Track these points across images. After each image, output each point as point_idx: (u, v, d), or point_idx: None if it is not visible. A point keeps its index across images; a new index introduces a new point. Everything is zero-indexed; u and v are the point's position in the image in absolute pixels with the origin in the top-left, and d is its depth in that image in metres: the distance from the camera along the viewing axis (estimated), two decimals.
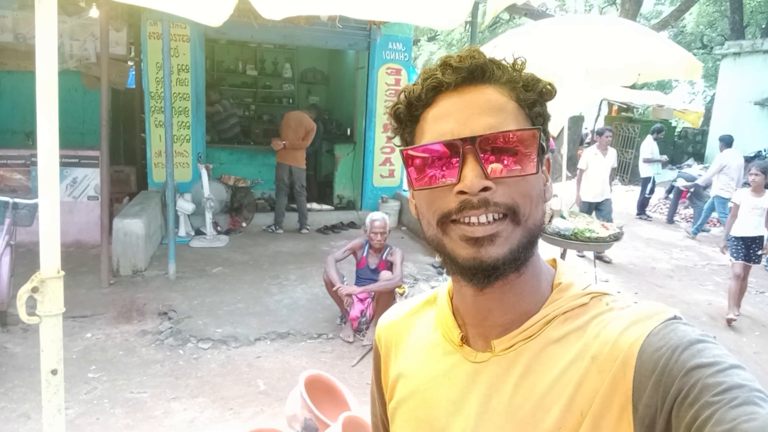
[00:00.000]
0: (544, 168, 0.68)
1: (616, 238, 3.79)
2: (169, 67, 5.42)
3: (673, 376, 0.53)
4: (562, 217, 3.93)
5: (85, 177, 6.14)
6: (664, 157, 10.63)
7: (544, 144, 0.65)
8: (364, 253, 4.59)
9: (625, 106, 14.18)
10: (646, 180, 9.94)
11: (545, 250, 4.71)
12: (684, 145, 15.57)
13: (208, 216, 6.60)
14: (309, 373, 3.17)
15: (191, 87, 6.94)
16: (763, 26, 18.98)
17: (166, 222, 5.54)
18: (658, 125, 10.78)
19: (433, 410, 0.72)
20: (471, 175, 0.61)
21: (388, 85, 7.68)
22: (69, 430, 3.00)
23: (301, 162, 7.15)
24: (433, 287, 5.02)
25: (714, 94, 17.58)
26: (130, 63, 8.04)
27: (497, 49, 4.42)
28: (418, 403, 0.75)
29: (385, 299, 4.41)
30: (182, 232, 6.60)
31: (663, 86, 20.57)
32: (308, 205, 7.63)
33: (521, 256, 0.63)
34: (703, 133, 15.24)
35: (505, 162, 0.62)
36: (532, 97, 0.66)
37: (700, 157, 14.49)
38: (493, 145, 0.62)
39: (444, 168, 0.63)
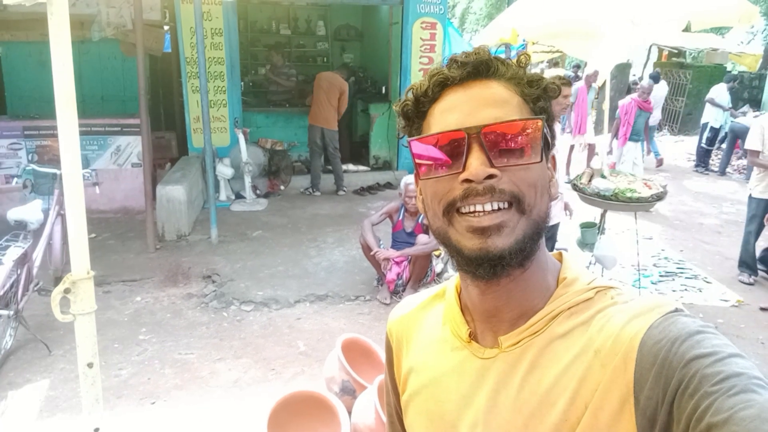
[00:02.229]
0: (549, 165, 0.69)
1: (659, 197, 3.65)
2: (202, 31, 5.41)
3: (672, 368, 0.54)
4: (603, 176, 3.80)
5: (128, 145, 6.31)
6: (728, 106, 10.10)
7: (549, 138, 0.67)
8: (400, 217, 4.59)
9: (676, 51, 13.40)
10: (705, 126, 9.61)
11: (585, 211, 4.60)
12: (740, 91, 14.66)
13: (247, 180, 6.71)
14: (346, 336, 3.25)
15: (225, 51, 6.94)
16: None
17: (207, 187, 5.67)
18: (734, 74, 10.30)
19: (444, 404, 0.74)
20: (476, 163, 0.62)
21: (423, 41, 7.48)
22: (123, 389, 3.21)
23: (332, 123, 7.12)
24: None
25: None
26: (165, 28, 8.07)
27: (537, 3, 4.21)
28: (429, 397, 0.76)
29: (421, 263, 4.44)
30: (223, 196, 6.75)
31: (719, 28, 19.28)
32: (344, 167, 7.64)
33: (527, 248, 0.64)
34: (761, 77, 14.27)
35: (510, 151, 0.63)
36: (536, 92, 0.68)
37: (756, 104, 13.64)
38: (498, 134, 0.63)
39: (450, 158, 0.65)
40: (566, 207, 4.37)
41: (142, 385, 3.26)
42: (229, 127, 7.07)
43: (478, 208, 0.62)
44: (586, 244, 4.05)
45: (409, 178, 4.55)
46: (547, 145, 0.68)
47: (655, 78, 10.03)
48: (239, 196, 6.88)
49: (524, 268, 0.66)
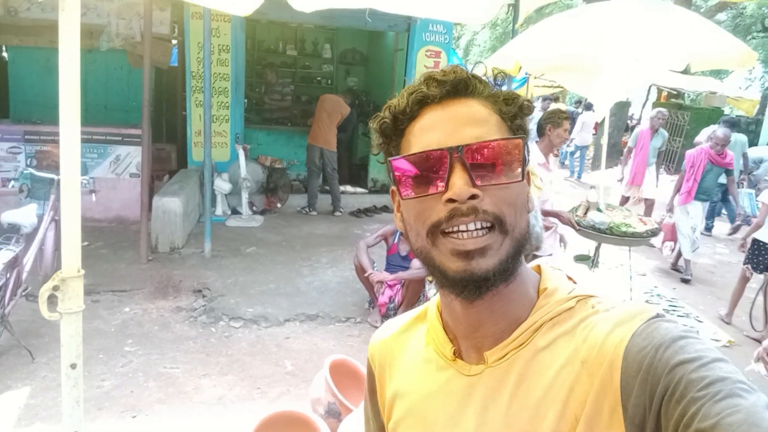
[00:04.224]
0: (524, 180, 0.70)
1: (653, 233, 3.67)
2: (209, 47, 5.48)
3: (658, 375, 0.54)
4: (599, 210, 3.82)
5: (128, 155, 6.32)
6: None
7: (526, 155, 0.67)
8: (396, 240, 4.58)
9: (675, 92, 13.61)
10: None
11: (580, 243, 4.60)
12: (744, 132, 14.89)
13: (245, 196, 6.71)
14: (334, 357, 3.21)
15: (231, 67, 7.01)
16: None
17: (204, 200, 5.66)
18: (732, 117, 10.14)
19: (431, 427, 0.72)
20: (459, 183, 0.61)
21: (427, 68, 7.51)
22: (104, 401, 3.16)
23: (332, 144, 7.17)
24: None
25: None
26: (173, 42, 8.17)
27: (539, 32, 4.29)
28: (416, 421, 0.75)
29: (414, 287, 4.41)
30: (219, 211, 6.74)
31: (718, 72, 19.61)
32: (342, 188, 7.66)
33: (510, 267, 0.64)
34: (758, 122, 14.51)
35: (491, 171, 0.64)
36: (513, 110, 0.68)
37: (753, 145, 13.82)
38: (480, 154, 0.63)
39: (432, 177, 0.64)
40: (561, 239, 4.38)
41: (124, 398, 3.21)
42: (230, 142, 7.10)
43: (462, 227, 0.62)
44: None
45: None
46: (525, 162, 0.68)
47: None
48: (235, 212, 6.87)
49: (508, 283, 0.66)
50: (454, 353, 0.72)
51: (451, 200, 0.62)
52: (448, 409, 0.71)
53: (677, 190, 6.16)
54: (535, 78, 11.76)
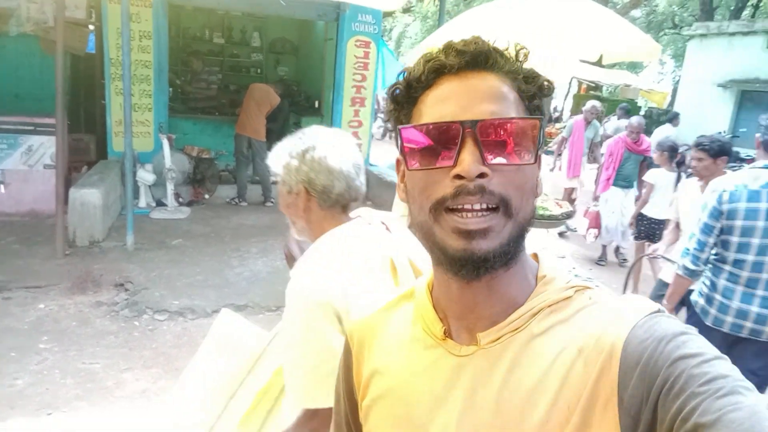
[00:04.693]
0: (536, 163, 0.66)
1: (568, 215, 3.89)
2: (128, 32, 5.26)
3: (658, 367, 0.54)
4: None
5: (41, 145, 5.97)
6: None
7: (542, 137, 0.64)
8: None
9: (593, 85, 14.33)
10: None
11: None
12: (649, 125, 15.84)
13: (170, 187, 6.51)
14: None
15: (154, 54, 6.76)
16: (732, 8, 19.28)
17: (125, 192, 5.45)
18: (626, 105, 10.82)
19: (413, 407, 0.70)
20: (469, 159, 0.59)
21: (357, 58, 7.60)
22: (17, 399, 3.01)
23: (261, 134, 7.07)
24: None
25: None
26: (90, 27, 7.76)
27: (464, 23, 4.41)
28: (396, 401, 0.72)
29: None
30: (143, 203, 6.51)
31: (633, 66, 20.82)
32: (273, 178, 7.57)
33: (511, 250, 0.62)
34: (668, 113, 15.52)
35: (504, 150, 0.61)
36: (532, 89, 0.66)
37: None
38: (494, 131, 0.61)
39: (441, 151, 0.62)
40: None
41: (39, 396, 3.07)
42: (154, 132, 6.86)
43: (467, 206, 0.60)
44: None
45: None
46: (539, 146, 0.65)
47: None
48: (161, 204, 6.65)
49: (508, 267, 0.64)
50: (444, 333, 0.70)
51: (458, 176, 0.60)
52: (434, 389, 0.68)
53: (598, 178, 6.40)
54: None
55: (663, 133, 9.93)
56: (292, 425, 1.33)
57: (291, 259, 4.78)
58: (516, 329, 0.65)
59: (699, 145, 3.43)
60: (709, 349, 0.54)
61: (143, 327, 3.94)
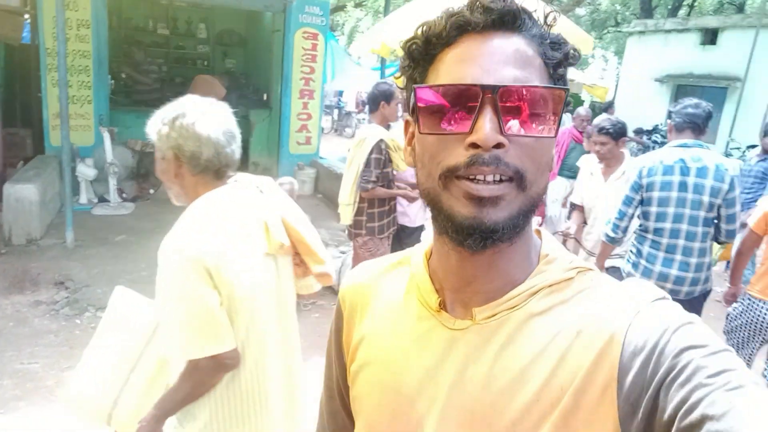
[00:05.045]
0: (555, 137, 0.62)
1: None
2: (63, 20, 5.05)
3: (664, 356, 0.52)
4: None
5: None
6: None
7: (562, 110, 0.60)
8: None
9: None
10: None
11: None
12: (592, 117, 16.44)
13: (112, 182, 6.31)
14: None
15: (93, 44, 6.52)
16: (669, 7, 20.16)
17: (64, 188, 5.26)
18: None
19: (401, 376, 0.68)
20: (487, 128, 0.55)
21: (305, 50, 7.56)
22: None
23: None
24: (343, 252, 5.11)
25: None
26: (25, 16, 7.41)
27: (407, 13, 4.47)
28: (384, 368, 0.71)
29: None
30: (83, 199, 6.29)
31: (578, 63, 21.45)
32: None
33: (520, 224, 0.59)
34: (610, 105, 16.13)
35: (525, 120, 0.57)
36: (558, 56, 0.61)
37: None
38: (516, 99, 0.57)
39: (457, 115, 0.58)
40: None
41: None
42: (94, 125, 6.62)
43: (479, 177, 0.56)
44: None
45: (283, 178, 4.49)
46: (560, 118, 0.61)
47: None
48: (103, 200, 6.45)
49: (512, 242, 0.61)
50: (439, 304, 0.67)
51: (474, 145, 0.56)
52: (424, 361, 0.66)
53: None
54: None
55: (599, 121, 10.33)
56: (178, 378, 1.40)
57: None
58: (513, 307, 0.63)
59: (602, 130, 3.47)
60: (716, 340, 0.53)
61: (85, 325, 3.83)
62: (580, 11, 23.32)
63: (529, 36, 0.60)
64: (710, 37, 14.27)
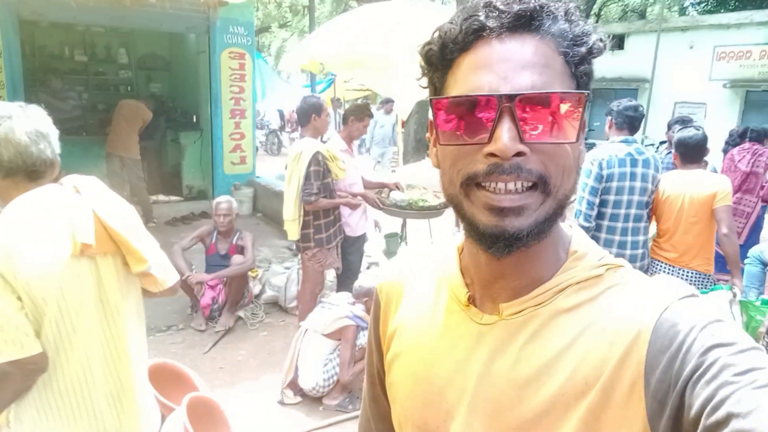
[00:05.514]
0: (578, 141, 0.61)
1: (446, 205, 4.16)
2: None
3: (691, 353, 0.52)
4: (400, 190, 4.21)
5: None
6: None
7: (585, 113, 0.60)
8: (213, 240, 4.52)
9: None
10: None
11: (392, 223, 4.98)
12: None
13: None
14: (154, 361, 3.09)
15: (6, 74, 6.22)
16: None
17: None
18: None
19: (432, 367, 0.70)
20: (505, 137, 0.55)
21: (232, 70, 7.50)
22: None
23: (133, 151, 6.75)
24: (287, 268, 5.09)
25: None
26: None
27: (334, 29, 4.56)
28: (417, 359, 0.73)
29: (237, 284, 4.40)
30: None
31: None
32: (153, 198, 7.27)
33: (546, 228, 0.60)
34: None
35: (545, 126, 0.57)
36: (581, 51, 0.59)
37: None
38: (534, 106, 0.56)
39: (475, 125, 0.57)
40: (376, 224, 4.73)
41: None
42: None
43: (500, 186, 0.56)
44: (390, 252, 4.41)
45: (220, 198, 4.53)
46: (584, 121, 0.60)
47: None
48: None
49: (539, 241, 0.61)
50: (469, 299, 0.69)
51: (493, 154, 0.56)
52: (453, 354, 0.68)
53: None
54: (345, 81, 12.30)
55: None
56: None
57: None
58: (539, 303, 0.63)
59: None
60: (744, 338, 0.53)
61: None
62: None
63: (549, 35, 0.58)
64: (618, 42, 15.32)
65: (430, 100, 0.61)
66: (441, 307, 0.72)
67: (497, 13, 0.58)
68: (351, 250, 4.18)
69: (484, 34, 0.58)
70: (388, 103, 10.04)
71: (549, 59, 0.58)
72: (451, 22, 0.61)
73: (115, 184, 6.76)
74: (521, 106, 0.55)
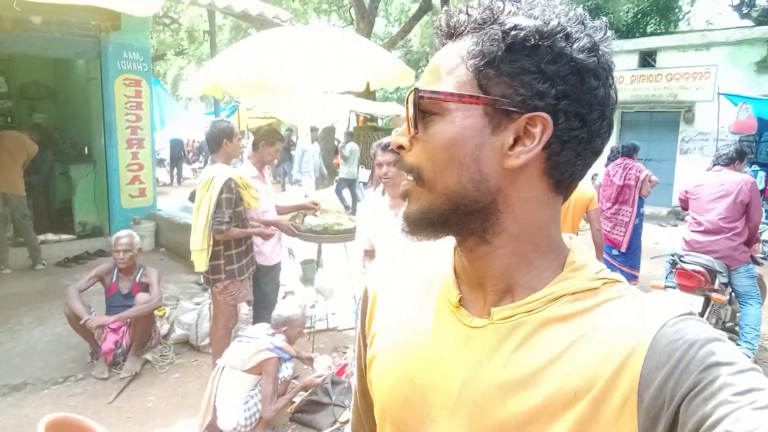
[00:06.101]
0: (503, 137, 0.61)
1: None
2: None
3: (689, 371, 0.52)
4: (315, 215, 4.16)
5: None
6: None
7: (509, 107, 0.59)
8: (113, 278, 4.19)
9: (369, 116, 15.53)
10: None
11: (307, 250, 4.88)
12: None
13: None
14: (51, 417, 2.77)
15: None
16: None
17: None
18: (349, 131, 12.01)
19: (415, 366, 0.69)
20: (399, 131, 0.64)
21: (128, 98, 7.11)
22: None
23: (17, 187, 6.15)
24: (198, 303, 4.82)
25: None
26: None
27: (235, 54, 4.47)
28: (400, 357, 0.72)
29: (143, 325, 4.10)
30: None
31: (401, 99, 23.13)
32: (42, 237, 6.64)
33: (434, 219, 0.64)
34: None
35: (428, 122, 0.63)
36: (493, 50, 0.59)
37: None
38: (418, 103, 0.62)
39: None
40: (290, 252, 4.63)
41: None
42: None
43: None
44: (307, 279, 4.32)
45: (119, 233, 4.24)
46: (508, 113, 0.59)
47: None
48: None
49: (485, 241, 0.64)
50: (459, 301, 0.69)
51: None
52: (440, 355, 0.67)
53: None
54: (248, 110, 12.08)
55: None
56: None
57: (75, 319, 4.26)
58: (531, 310, 0.63)
59: (389, 146, 2.70)
60: (743, 358, 0.53)
61: None
62: (396, 53, 25.22)
63: (470, 41, 0.61)
64: None
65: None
66: (430, 307, 0.72)
67: (440, 24, 0.66)
68: (266, 280, 4.04)
69: (437, 42, 0.67)
70: (313, 131, 10.05)
71: (453, 64, 0.62)
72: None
73: None
74: (416, 102, 0.62)
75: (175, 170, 16.79)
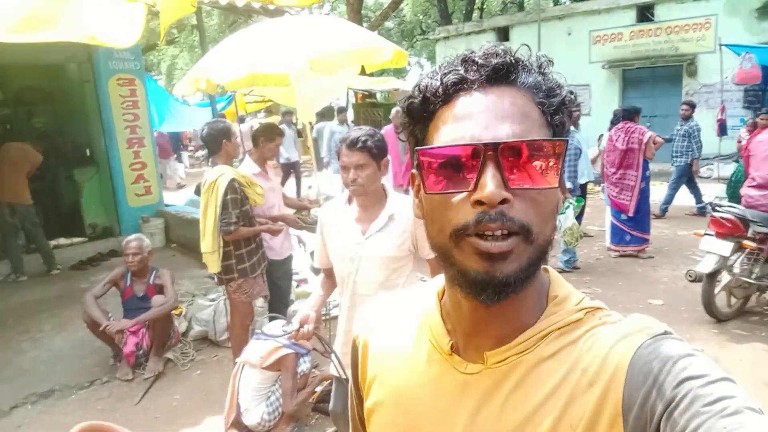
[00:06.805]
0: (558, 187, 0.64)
1: None
2: None
3: (664, 388, 0.54)
4: (320, 206, 4.18)
5: None
6: None
7: (564, 160, 0.62)
8: (128, 282, 4.26)
9: (368, 93, 15.38)
10: None
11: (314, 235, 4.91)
12: None
13: None
14: (80, 426, 2.87)
15: None
16: (464, 12, 22.29)
17: None
18: (343, 106, 11.89)
19: (415, 419, 0.70)
20: (491, 185, 0.57)
21: (123, 97, 7.09)
22: None
23: (24, 197, 6.18)
24: (213, 300, 4.89)
25: None
26: None
27: (225, 48, 4.44)
28: (398, 409, 0.72)
29: (161, 326, 4.18)
30: None
31: (399, 72, 22.86)
32: (53, 242, 6.72)
33: (531, 273, 0.61)
34: None
35: (527, 174, 0.59)
36: (555, 103, 0.63)
37: None
38: (517, 154, 0.58)
39: (461, 174, 0.60)
40: (300, 240, 4.67)
41: None
42: None
43: (488, 233, 0.58)
44: (318, 268, 4.35)
45: (129, 237, 4.27)
46: (562, 168, 0.62)
47: None
48: None
49: (525, 288, 0.62)
50: (451, 347, 0.68)
51: (480, 202, 0.58)
52: (438, 405, 0.68)
53: None
54: (245, 95, 12.00)
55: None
56: None
57: (95, 325, 4.32)
58: (524, 351, 0.64)
59: (355, 143, 2.06)
60: (715, 370, 0.54)
61: None
62: (389, 24, 24.83)
63: (525, 87, 0.62)
64: (503, 34, 16.08)
65: (415, 150, 0.63)
66: (422, 356, 0.72)
67: (476, 67, 0.62)
68: (279, 275, 4.09)
69: (465, 86, 0.62)
70: (341, 113, 9.81)
71: (526, 109, 0.61)
72: (432, 77, 0.64)
73: (8, 233, 6.20)
74: (504, 154, 0.58)
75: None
